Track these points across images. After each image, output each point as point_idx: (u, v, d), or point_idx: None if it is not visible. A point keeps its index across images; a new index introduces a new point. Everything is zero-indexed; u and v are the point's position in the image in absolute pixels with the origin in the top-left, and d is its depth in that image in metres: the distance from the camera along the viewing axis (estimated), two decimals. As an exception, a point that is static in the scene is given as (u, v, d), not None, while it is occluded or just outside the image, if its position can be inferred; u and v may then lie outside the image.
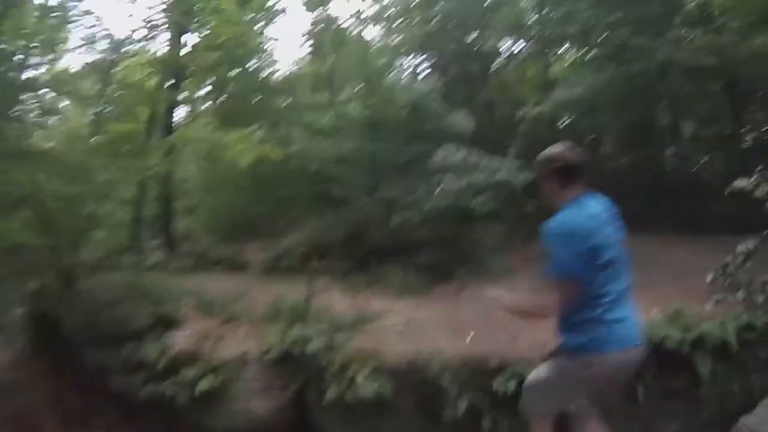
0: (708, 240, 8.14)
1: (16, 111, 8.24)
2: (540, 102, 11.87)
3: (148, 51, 10.68)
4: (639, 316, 2.63)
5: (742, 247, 5.63)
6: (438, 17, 13.98)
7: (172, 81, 10.45)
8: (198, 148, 11.14)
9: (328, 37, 13.30)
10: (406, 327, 6.43)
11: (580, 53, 12.62)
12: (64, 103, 10.82)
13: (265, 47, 12.88)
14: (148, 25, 10.20)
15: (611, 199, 2.81)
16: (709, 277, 5.86)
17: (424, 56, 15.36)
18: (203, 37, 10.68)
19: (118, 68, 10.17)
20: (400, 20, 14.94)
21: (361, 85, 12.68)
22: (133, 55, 10.29)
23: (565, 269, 2.39)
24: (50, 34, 8.64)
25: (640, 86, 10.45)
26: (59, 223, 7.09)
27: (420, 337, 5.97)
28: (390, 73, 14.02)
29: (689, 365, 4.80)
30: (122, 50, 10.13)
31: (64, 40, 9.38)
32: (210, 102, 13.27)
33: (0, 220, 6.75)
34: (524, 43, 14.58)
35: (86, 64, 10.01)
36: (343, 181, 10.70)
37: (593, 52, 11.98)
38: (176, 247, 10.51)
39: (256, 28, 12.15)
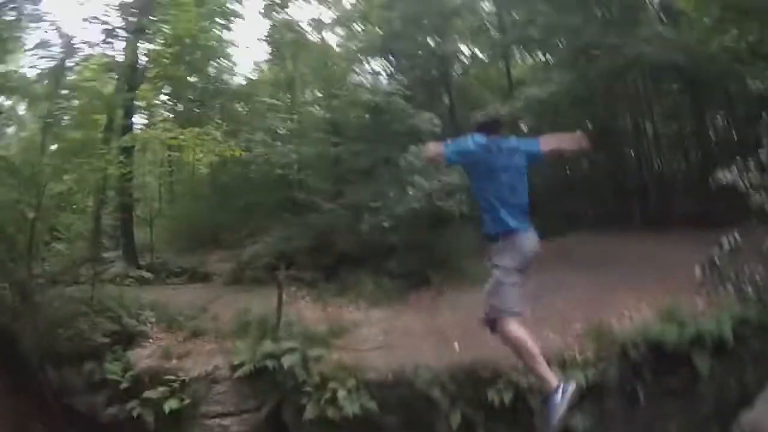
0: (676, 235, 8.20)
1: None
2: (502, 104, 11.82)
3: (105, 56, 10.18)
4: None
5: (726, 240, 5.57)
6: (398, 21, 13.80)
7: (130, 86, 9.93)
8: (156, 150, 10.53)
9: (287, 42, 12.97)
10: (385, 338, 6.06)
11: (541, 56, 12.64)
12: (20, 109, 10.34)
13: (225, 51, 12.42)
14: (105, 29, 9.66)
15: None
16: (697, 271, 5.79)
17: (384, 60, 15.15)
18: (160, 36, 10.18)
19: (74, 74, 9.69)
20: (360, 24, 14.71)
21: (323, 87, 12.33)
22: (88, 60, 9.77)
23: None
24: (2, 36, 8.09)
25: (601, 88, 10.54)
26: (13, 235, 6.60)
27: (402, 348, 5.62)
28: (351, 76, 13.76)
29: (687, 363, 4.63)
30: (78, 55, 9.61)
31: (18, 44, 8.86)
32: (169, 108, 12.73)
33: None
34: (485, 47, 14.53)
35: (41, 69, 9.48)
36: (307, 187, 10.28)
37: (555, 55, 12.06)
38: (136, 259, 9.90)
39: (214, 30, 11.72)
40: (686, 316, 4.88)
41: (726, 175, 5.39)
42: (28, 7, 8.52)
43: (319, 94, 12.96)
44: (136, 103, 10.43)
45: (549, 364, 4.28)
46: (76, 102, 8.55)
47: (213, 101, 12.10)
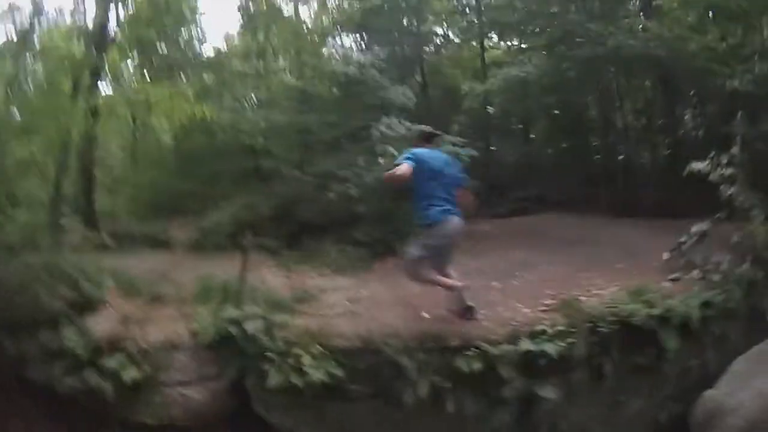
0: (644, 222, 8.40)
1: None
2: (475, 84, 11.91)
3: (74, 21, 9.72)
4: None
5: (696, 228, 5.74)
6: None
7: (98, 50, 9.34)
8: (121, 116, 10.18)
9: (260, 11, 12.58)
10: (351, 305, 5.88)
11: (517, 40, 12.67)
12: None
13: (196, 18, 12.17)
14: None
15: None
16: (665, 256, 5.92)
17: (357, 36, 14.88)
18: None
19: (41, 37, 9.06)
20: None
21: (295, 57, 12.03)
22: (56, 25, 9.21)
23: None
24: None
25: (575, 77, 10.66)
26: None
27: (368, 316, 5.44)
28: (324, 48, 13.50)
29: (654, 342, 4.67)
30: (45, 19, 9.07)
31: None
32: (138, 73, 12.22)
33: None
34: (461, 29, 14.45)
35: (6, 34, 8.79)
36: (273, 155, 10.06)
37: (530, 41, 12.10)
38: (98, 226, 9.47)
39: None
40: (655, 296, 4.91)
41: (700, 167, 5.54)
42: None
43: (291, 63, 12.66)
44: (105, 66, 9.95)
45: (520, 335, 4.67)
46: (43, 67, 8.17)
47: (182, 68, 11.98)
